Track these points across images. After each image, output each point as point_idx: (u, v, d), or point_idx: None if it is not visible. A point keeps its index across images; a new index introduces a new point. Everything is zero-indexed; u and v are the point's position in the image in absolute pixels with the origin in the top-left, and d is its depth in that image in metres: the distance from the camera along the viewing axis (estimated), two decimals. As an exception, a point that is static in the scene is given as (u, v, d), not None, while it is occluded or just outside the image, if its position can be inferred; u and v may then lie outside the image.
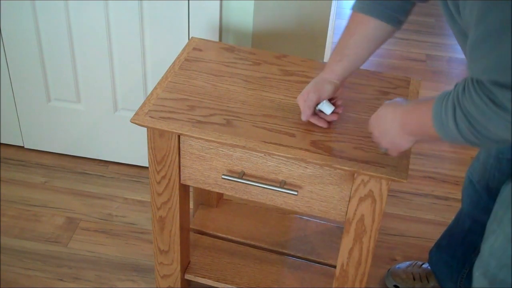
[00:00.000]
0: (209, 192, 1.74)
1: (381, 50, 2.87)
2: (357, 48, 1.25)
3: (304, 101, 1.27)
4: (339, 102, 1.32)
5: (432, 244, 1.72)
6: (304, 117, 1.28)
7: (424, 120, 1.01)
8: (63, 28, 1.82)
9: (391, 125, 1.11)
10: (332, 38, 2.54)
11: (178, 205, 1.40)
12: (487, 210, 1.22)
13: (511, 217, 1.10)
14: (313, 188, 1.26)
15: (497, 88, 0.86)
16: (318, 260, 1.65)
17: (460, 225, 1.57)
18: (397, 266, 1.75)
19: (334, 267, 1.46)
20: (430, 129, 0.99)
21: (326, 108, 1.27)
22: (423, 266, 1.74)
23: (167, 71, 1.42)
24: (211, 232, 1.71)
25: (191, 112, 1.30)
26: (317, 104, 1.28)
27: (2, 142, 2.14)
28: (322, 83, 1.27)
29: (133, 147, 2.05)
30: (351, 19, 1.25)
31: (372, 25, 1.22)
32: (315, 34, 1.76)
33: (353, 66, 1.27)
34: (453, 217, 1.89)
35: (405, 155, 1.22)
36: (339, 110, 1.31)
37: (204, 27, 1.76)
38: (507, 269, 1.13)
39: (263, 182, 1.28)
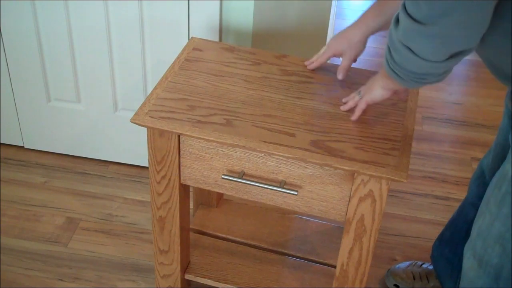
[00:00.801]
0: (209, 192, 1.74)
1: (381, 50, 2.88)
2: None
3: (333, 53, 1.41)
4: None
5: (432, 244, 1.72)
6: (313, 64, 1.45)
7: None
8: (63, 28, 1.82)
9: (380, 77, 1.24)
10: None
11: (178, 205, 1.40)
12: None
13: (496, 196, 1.10)
14: (313, 188, 1.26)
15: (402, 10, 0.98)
16: (318, 260, 1.65)
17: (463, 216, 1.55)
18: (397, 266, 1.75)
19: (334, 267, 1.46)
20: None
21: None
22: (423, 265, 1.74)
23: (167, 71, 1.42)
24: (211, 232, 1.71)
25: (191, 112, 1.30)
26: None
27: (2, 142, 2.14)
28: (356, 42, 1.35)
29: (133, 147, 2.05)
30: None
31: None
32: (315, 34, 1.76)
33: (386, 26, 1.32)
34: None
35: (405, 154, 1.22)
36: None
37: (204, 27, 1.76)
38: (492, 250, 1.12)
39: (263, 182, 1.28)
